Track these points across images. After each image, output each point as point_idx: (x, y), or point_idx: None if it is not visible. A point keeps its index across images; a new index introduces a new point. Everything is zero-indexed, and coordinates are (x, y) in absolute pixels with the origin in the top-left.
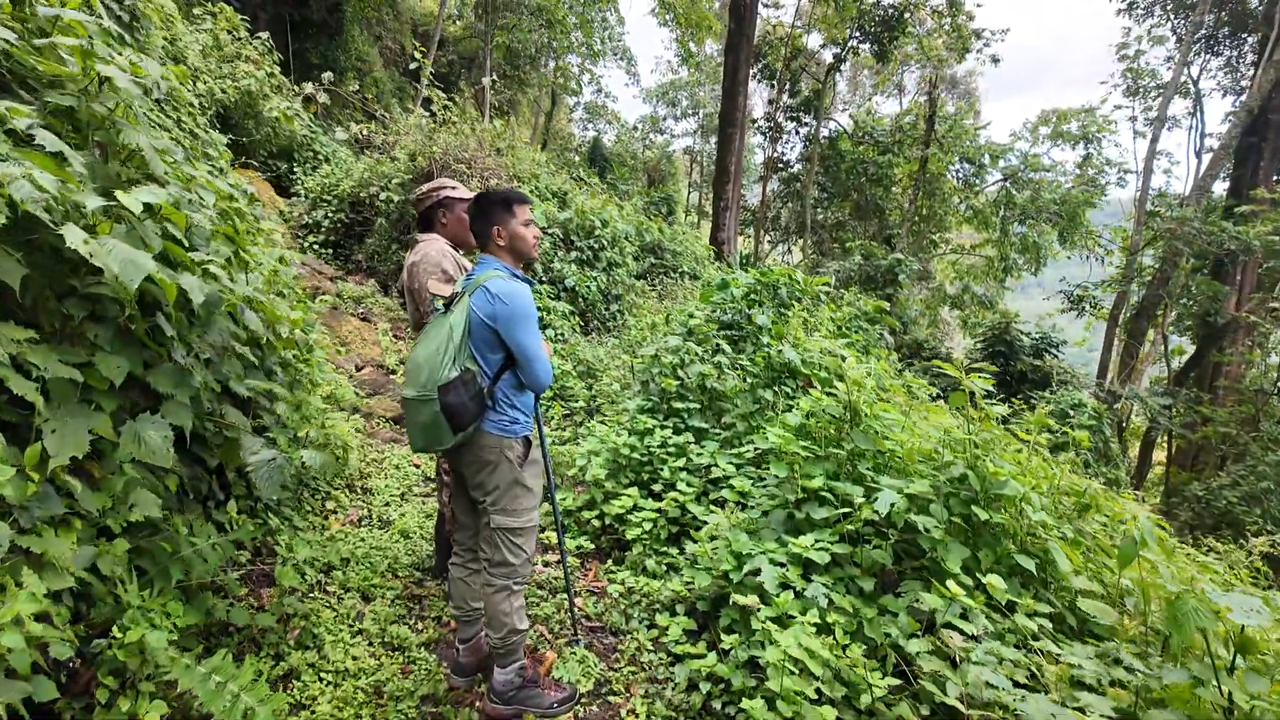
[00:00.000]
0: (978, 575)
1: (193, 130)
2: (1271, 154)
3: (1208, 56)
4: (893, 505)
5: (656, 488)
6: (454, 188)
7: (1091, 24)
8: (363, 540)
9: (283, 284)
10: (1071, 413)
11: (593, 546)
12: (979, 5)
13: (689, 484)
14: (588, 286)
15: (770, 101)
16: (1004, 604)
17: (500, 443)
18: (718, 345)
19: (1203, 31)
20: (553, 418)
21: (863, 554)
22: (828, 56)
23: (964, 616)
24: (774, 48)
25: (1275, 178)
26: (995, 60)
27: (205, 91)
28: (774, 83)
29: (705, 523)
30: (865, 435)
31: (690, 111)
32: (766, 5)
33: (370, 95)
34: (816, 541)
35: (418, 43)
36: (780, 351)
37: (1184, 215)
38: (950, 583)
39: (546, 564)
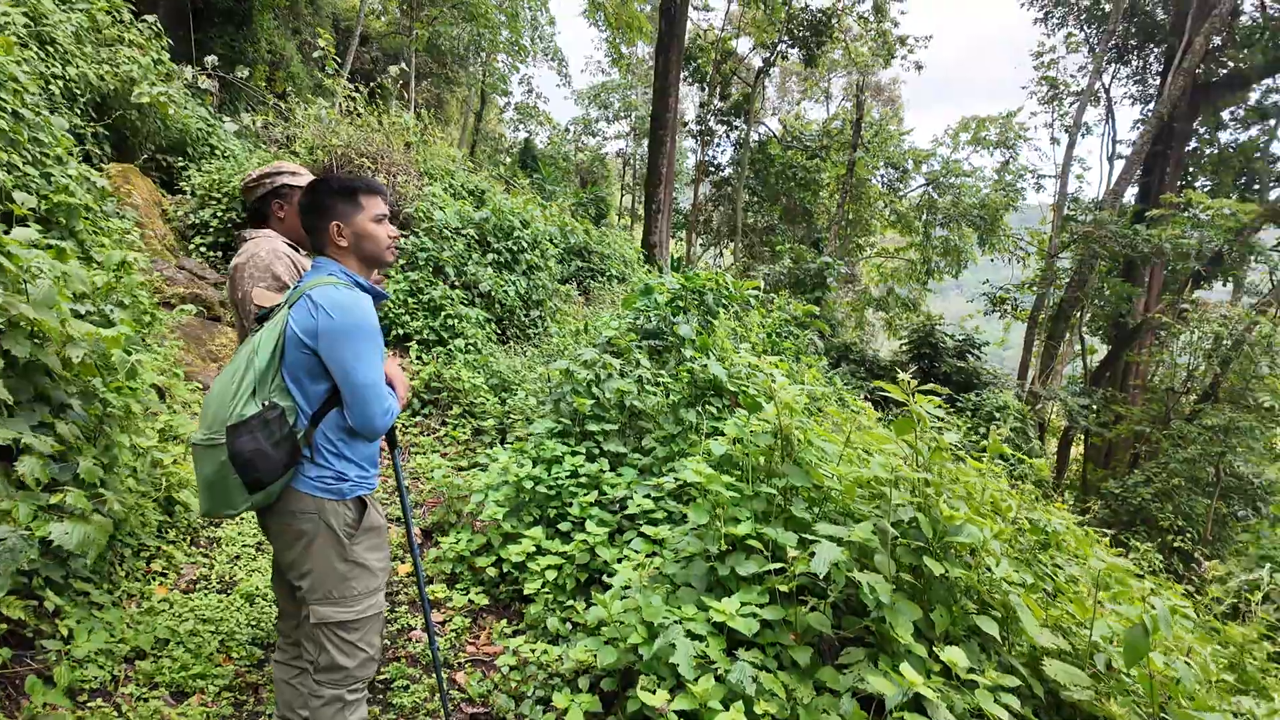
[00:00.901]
0: (933, 640)
1: (15, 111)
2: (1177, 161)
3: (1118, 66)
4: (833, 564)
5: (564, 526)
6: (294, 173)
7: (1011, 33)
8: (192, 611)
9: (124, 291)
10: (997, 415)
11: (487, 600)
12: (903, 13)
13: (601, 521)
14: (505, 291)
15: (701, 105)
16: (964, 678)
17: (321, 507)
18: (638, 358)
19: (1114, 41)
20: (459, 437)
21: (797, 617)
22: (757, 61)
23: (918, 706)
24: (704, 51)
25: (1180, 183)
26: (919, 67)
27: (77, 76)
28: (705, 86)
29: (616, 570)
30: (799, 468)
31: (622, 114)
32: (697, 8)
33: (284, 90)
34: (743, 605)
35: (333, 36)
36: (705, 366)
37: (1100, 219)
38: (904, 666)
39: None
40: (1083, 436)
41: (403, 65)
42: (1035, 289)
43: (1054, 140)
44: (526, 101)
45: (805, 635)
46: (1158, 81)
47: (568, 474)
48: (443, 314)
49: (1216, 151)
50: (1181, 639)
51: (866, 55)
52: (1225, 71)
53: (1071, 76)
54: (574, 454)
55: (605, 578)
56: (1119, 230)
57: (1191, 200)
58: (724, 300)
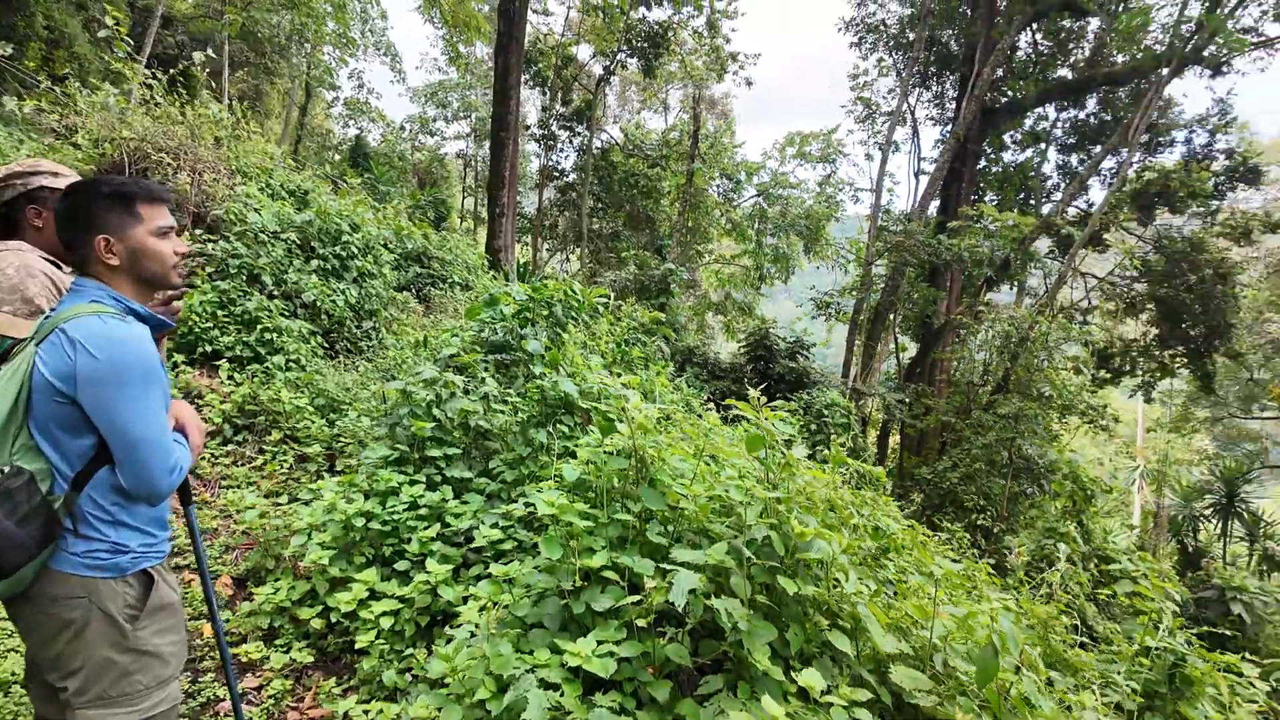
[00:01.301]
0: (789, 659)
1: None
2: (970, 178)
3: (921, 90)
4: (691, 593)
5: (402, 565)
6: (55, 173)
7: (831, 55)
8: None
9: None
10: (826, 411)
11: (313, 656)
12: (734, 30)
13: (444, 557)
14: (333, 301)
15: (544, 109)
16: (820, 701)
17: (92, 589)
18: (484, 375)
19: (917, 68)
20: (278, 469)
21: (656, 649)
22: (598, 69)
23: None
24: (546, 55)
25: (974, 198)
26: (749, 83)
27: None
28: (546, 90)
29: (461, 612)
30: (654, 490)
31: (462, 114)
32: (537, 11)
33: (64, 72)
34: (599, 644)
35: (128, 14)
36: (556, 383)
37: (909, 230)
38: (765, 699)
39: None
40: (899, 428)
41: (210, 52)
42: (855, 293)
43: (868, 156)
44: (357, 97)
45: (664, 668)
46: (954, 106)
47: (405, 506)
48: (259, 327)
49: (1001, 170)
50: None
51: (701, 69)
52: (1006, 100)
53: (883, 98)
54: (413, 483)
55: (449, 628)
56: (925, 240)
57: (983, 213)
58: (573, 310)
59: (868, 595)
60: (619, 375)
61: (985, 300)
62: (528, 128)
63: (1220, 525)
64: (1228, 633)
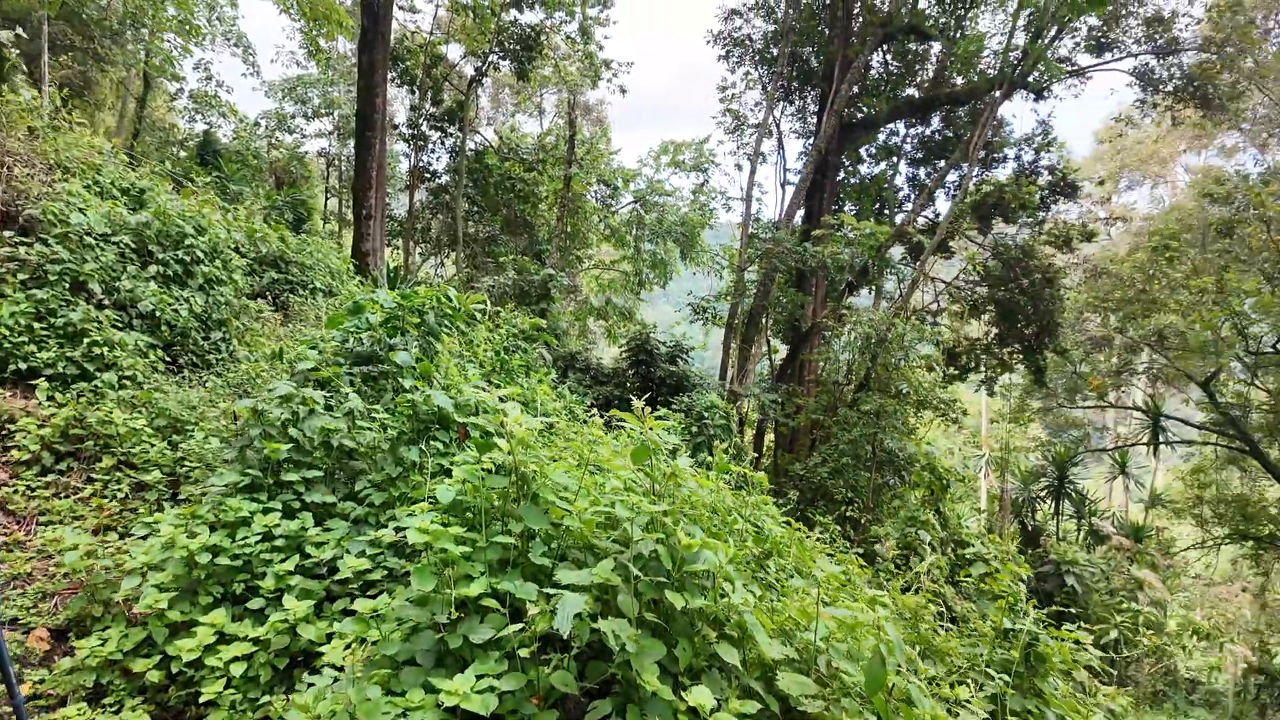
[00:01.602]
0: (678, 675)
1: None
2: (832, 189)
3: (785, 104)
4: (577, 617)
5: (256, 603)
6: None
7: (704, 66)
8: None
9: None
10: (707, 414)
11: (150, 714)
12: (607, 38)
13: (305, 592)
14: (175, 311)
15: (413, 108)
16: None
17: None
18: (347, 389)
19: (781, 83)
20: (111, 499)
21: (540, 678)
22: (470, 69)
23: None
24: (413, 53)
25: (835, 207)
26: (623, 90)
27: None
28: (415, 89)
29: (324, 652)
30: (537, 509)
31: (324, 111)
32: (403, 8)
33: None
34: (479, 679)
35: None
36: (428, 397)
37: (778, 238)
38: None
39: None
40: (773, 426)
41: (20, 31)
42: (729, 298)
43: (738, 166)
44: (205, 89)
45: (549, 697)
46: (815, 120)
47: (259, 537)
48: (85, 341)
49: (859, 181)
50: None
51: (576, 75)
52: (861, 115)
53: (750, 110)
54: (266, 511)
55: (311, 671)
56: (792, 247)
57: (843, 222)
58: (448, 318)
59: (753, 602)
60: (498, 385)
61: (847, 304)
62: (396, 127)
63: (1053, 505)
64: (1072, 612)
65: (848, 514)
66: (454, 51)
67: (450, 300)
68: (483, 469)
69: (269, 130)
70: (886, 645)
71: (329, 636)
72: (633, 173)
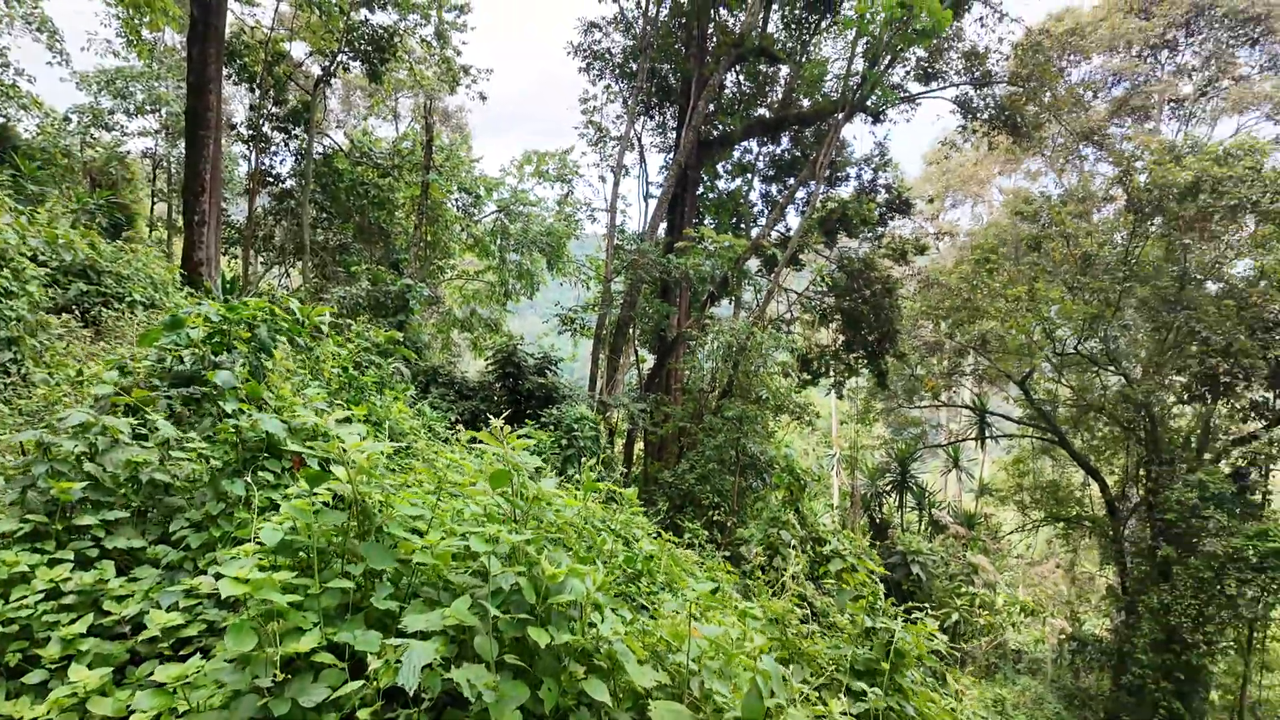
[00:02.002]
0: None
1: None
2: (692, 203)
3: (646, 118)
4: (425, 670)
5: (35, 677)
6: None
7: (565, 75)
8: None
9: None
10: (576, 425)
11: None
12: (465, 43)
13: (100, 657)
14: None
15: (253, 107)
16: None
17: None
18: (157, 416)
19: (641, 98)
20: None
21: None
22: (317, 69)
23: None
24: (253, 49)
25: (695, 220)
26: (483, 97)
27: None
28: (255, 87)
29: None
30: (381, 546)
31: (149, 108)
32: (240, 0)
33: None
34: None
35: None
36: (256, 421)
37: (642, 250)
38: None
39: None
40: (642, 435)
41: None
42: (597, 309)
43: (602, 178)
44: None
45: None
46: (675, 135)
47: (42, 595)
48: None
49: (717, 196)
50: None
51: (432, 79)
52: (718, 133)
53: (612, 123)
54: (53, 563)
55: None
56: (657, 259)
57: (704, 235)
58: (284, 331)
59: (623, 630)
60: (346, 405)
61: (710, 314)
62: (234, 127)
63: (898, 498)
64: (918, 598)
65: (715, 518)
66: (299, 49)
67: (291, 313)
68: (319, 502)
69: (82, 127)
70: (763, 676)
71: (129, 712)
72: (496, 181)
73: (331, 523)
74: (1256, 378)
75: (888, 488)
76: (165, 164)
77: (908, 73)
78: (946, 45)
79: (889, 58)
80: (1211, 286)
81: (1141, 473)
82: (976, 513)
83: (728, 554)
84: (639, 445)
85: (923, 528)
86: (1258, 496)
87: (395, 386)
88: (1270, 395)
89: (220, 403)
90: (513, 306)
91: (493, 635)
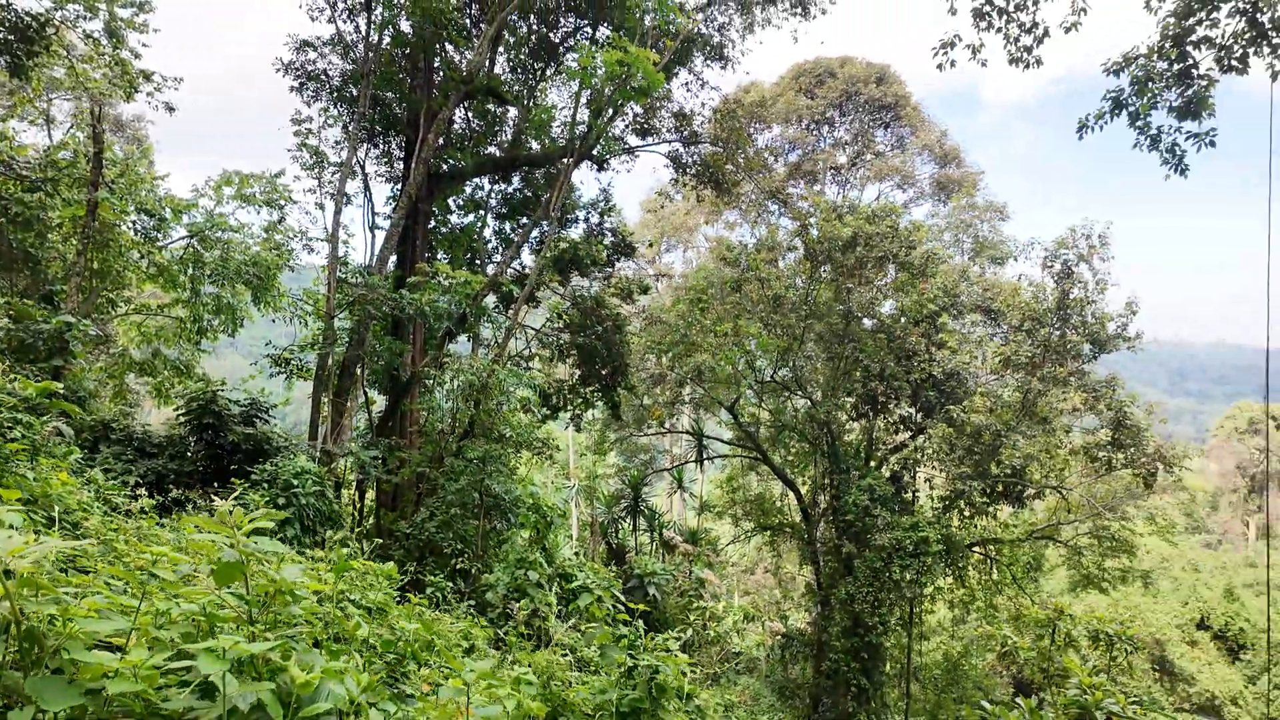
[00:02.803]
0: None
1: None
2: (424, 236)
3: (370, 146)
4: None
5: None
6: None
7: (273, 93)
8: None
9: None
10: (296, 481)
11: None
12: (146, 45)
13: None
14: None
15: None
16: None
17: None
18: None
19: (365, 124)
20: None
21: None
22: None
23: None
24: None
25: (428, 254)
26: (170, 108)
27: None
28: None
29: None
30: (59, 680)
31: None
32: None
33: None
34: None
35: None
36: None
37: (371, 284)
38: None
39: None
40: (374, 485)
41: None
42: (318, 348)
43: (320, 205)
44: None
45: None
46: (403, 165)
47: None
48: None
49: (449, 231)
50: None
51: (102, 82)
52: (448, 167)
53: (332, 148)
54: None
55: None
56: (387, 294)
57: (439, 270)
58: None
59: None
60: None
61: (448, 352)
62: None
63: (632, 522)
64: (656, 618)
65: (459, 566)
66: None
67: None
68: None
69: None
70: None
71: None
72: (187, 203)
73: None
74: (903, 397)
75: (623, 513)
76: None
77: (627, 126)
78: (660, 104)
79: (611, 111)
80: (868, 322)
81: (826, 481)
82: (699, 528)
83: (473, 602)
84: (370, 495)
85: (654, 549)
86: (909, 495)
87: (55, 451)
88: (912, 410)
89: None
90: (209, 345)
91: None
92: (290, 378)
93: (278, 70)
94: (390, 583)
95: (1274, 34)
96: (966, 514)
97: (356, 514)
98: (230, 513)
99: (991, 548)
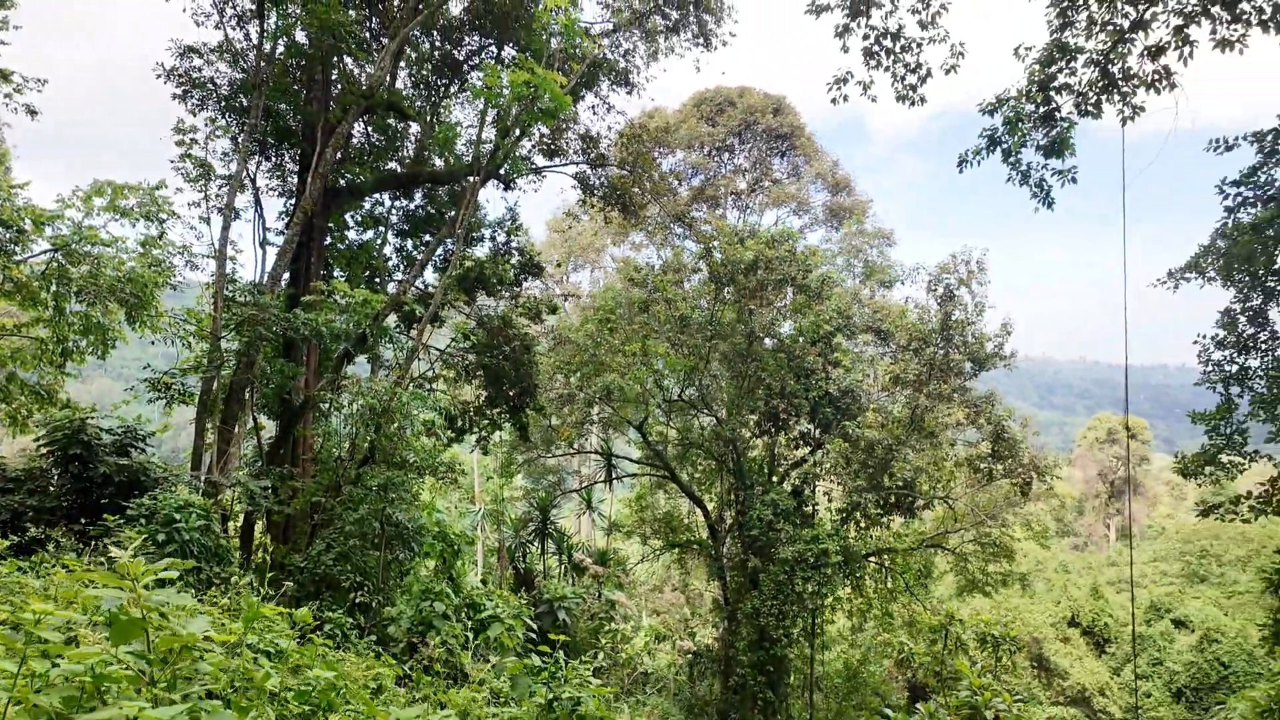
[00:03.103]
0: None
1: None
2: (320, 253)
3: (262, 159)
4: None
5: None
6: None
7: (151, 98)
8: None
9: None
10: (178, 516)
11: None
12: (4, 44)
13: None
14: None
15: None
16: None
17: None
18: None
19: (256, 136)
20: None
21: None
22: None
23: None
24: None
25: (324, 272)
26: (32, 112)
27: None
28: None
29: None
30: None
31: None
32: None
33: None
34: None
35: None
36: None
37: (262, 303)
38: None
39: None
40: (263, 516)
41: None
42: (202, 371)
43: (204, 219)
44: None
45: None
46: (297, 179)
47: None
48: None
49: (347, 247)
50: None
51: None
52: (346, 182)
53: (219, 160)
54: None
55: None
56: (279, 314)
57: (336, 288)
58: None
59: None
60: None
61: (346, 374)
62: None
63: (540, 546)
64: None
65: (358, 600)
66: None
67: None
68: None
69: None
70: None
71: None
72: (51, 214)
73: None
74: (803, 413)
75: (531, 537)
76: None
77: (534, 146)
78: (567, 126)
79: (518, 131)
80: (769, 342)
81: (732, 497)
82: (609, 549)
83: (374, 638)
84: (260, 528)
85: (564, 572)
86: (810, 509)
87: None
88: (811, 426)
89: None
90: (75, 368)
91: None
92: (170, 403)
93: (158, 76)
94: (293, 625)
95: (1123, 83)
96: (862, 525)
97: (244, 549)
98: (123, 563)
99: (886, 557)
